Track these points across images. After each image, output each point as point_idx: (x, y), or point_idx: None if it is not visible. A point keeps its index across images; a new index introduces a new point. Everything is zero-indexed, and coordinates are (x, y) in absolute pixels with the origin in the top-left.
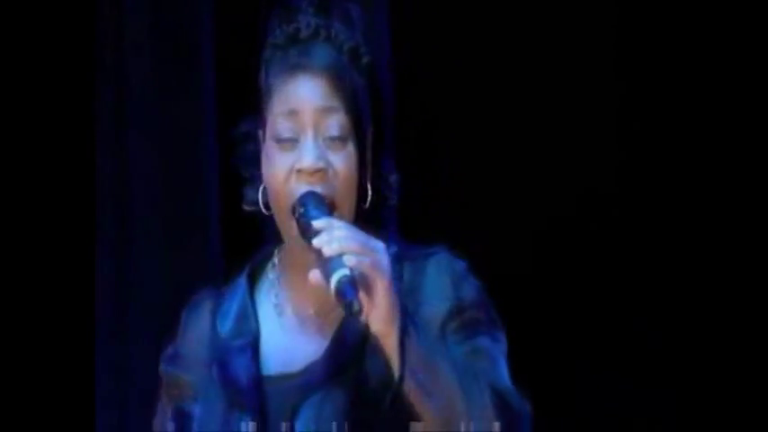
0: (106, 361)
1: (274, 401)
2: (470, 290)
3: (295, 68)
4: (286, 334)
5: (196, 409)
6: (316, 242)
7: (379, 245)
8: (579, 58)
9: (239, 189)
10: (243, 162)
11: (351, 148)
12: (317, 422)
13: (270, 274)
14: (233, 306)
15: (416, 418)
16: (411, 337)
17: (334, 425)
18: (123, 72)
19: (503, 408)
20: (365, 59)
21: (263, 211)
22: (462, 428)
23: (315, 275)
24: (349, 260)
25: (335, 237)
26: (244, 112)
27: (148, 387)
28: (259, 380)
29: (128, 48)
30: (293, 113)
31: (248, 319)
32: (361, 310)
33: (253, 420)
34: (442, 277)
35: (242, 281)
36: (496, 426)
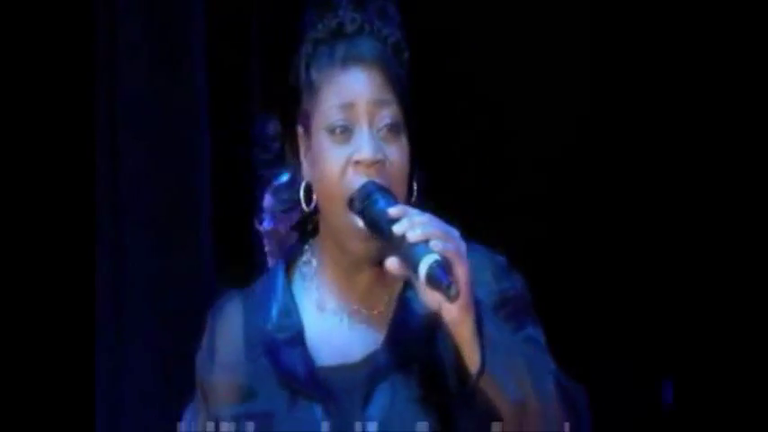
0: (104, 361)
1: (342, 389)
2: (513, 283)
3: (346, 61)
4: (332, 328)
5: (252, 408)
6: (398, 228)
7: (456, 231)
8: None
9: (235, 190)
10: (267, 162)
11: (404, 139)
12: (392, 407)
13: (304, 270)
14: (271, 302)
15: (489, 406)
16: (485, 324)
17: (409, 409)
18: (116, 73)
19: (564, 394)
20: (406, 54)
21: (304, 207)
22: (532, 415)
23: (393, 263)
24: (435, 245)
25: (417, 222)
26: (235, 112)
27: (142, 387)
28: (316, 370)
29: (120, 49)
30: (348, 105)
31: (290, 313)
32: (458, 294)
33: (325, 407)
34: (485, 272)
35: (279, 276)
36: (561, 411)
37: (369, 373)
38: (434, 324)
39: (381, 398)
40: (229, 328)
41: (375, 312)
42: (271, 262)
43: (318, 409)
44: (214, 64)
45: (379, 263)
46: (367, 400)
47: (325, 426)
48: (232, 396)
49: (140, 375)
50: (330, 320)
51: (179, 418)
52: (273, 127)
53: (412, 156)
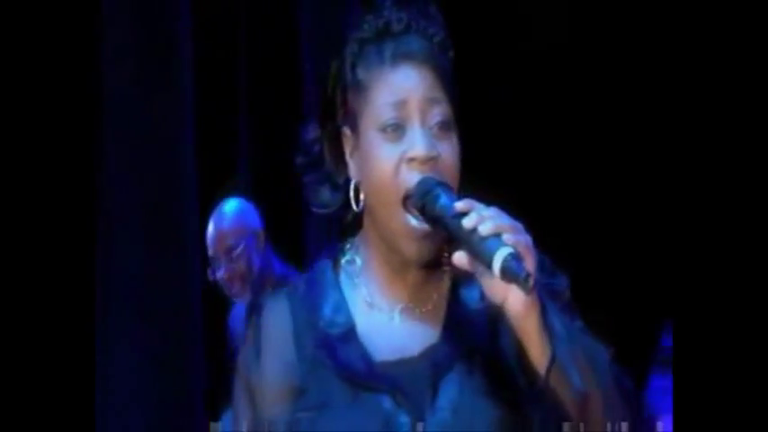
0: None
1: (407, 381)
2: (559, 279)
3: (396, 59)
4: (384, 324)
5: (307, 402)
6: (468, 222)
7: (520, 224)
8: None
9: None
10: (307, 166)
11: (454, 137)
12: (461, 397)
13: (348, 269)
14: (320, 299)
15: (556, 397)
16: (550, 316)
17: (478, 399)
18: (103, 73)
19: (620, 383)
20: (451, 52)
21: (354, 207)
22: (595, 405)
23: (461, 258)
24: (508, 239)
25: (487, 216)
26: (220, 112)
27: (130, 387)
28: (375, 364)
29: (107, 49)
30: (400, 103)
31: (341, 309)
32: (534, 285)
33: (394, 398)
34: (541, 268)
35: (327, 273)
36: (619, 401)
37: (431, 366)
38: (494, 318)
39: (449, 388)
40: (278, 326)
41: (425, 310)
42: (239, 302)
43: (387, 400)
44: (201, 64)
45: (429, 263)
46: (435, 390)
47: (401, 416)
48: (285, 394)
49: (127, 375)
50: (381, 317)
51: (167, 417)
52: (313, 130)
53: (461, 153)
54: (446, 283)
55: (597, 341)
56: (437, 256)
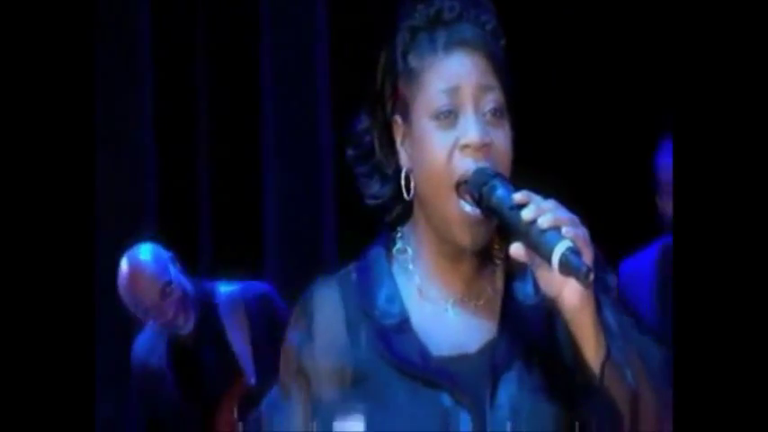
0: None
1: (466, 379)
2: (610, 273)
3: (450, 46)
4: (437, 316)
5: (365, 391)
6: (527, 214)
7: (577, 217)
8: None
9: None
10: (359, 158)
11: (507, 125)
12: (520, 396)
13: (399, 258)
14: (374, 288)
15: (609, 394)
16: (604, 311)
17: (537, 398)
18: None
19: (665, 375)
20: (503, 41)
21: (405, 195)
22: (647, 403)
23: (518, 249)
24: (568, 232)
25: (545, 208)
26: (180, 107)
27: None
28: (433, 359)
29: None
30: (453, 90)
31: (395, 299)
32: (594, 279)
33: (452, 396)
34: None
35: (380, 262)
36: (665, 397)
37: (490, 364)
38: (550, 314)
39: (509, 387)
40: (330, 313)
41: (480, 303)
42: (144, 330)
43: (446, 397)
44: (161, 63)
45: (480, 252)
46: (495, 388)
47: (461, 413)
48: (341, 377)
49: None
50: (434, 309)
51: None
52: (363, 121)
53: (515, 141)
54: (499, 278)
55: (651, 338)
56: (489, 246)
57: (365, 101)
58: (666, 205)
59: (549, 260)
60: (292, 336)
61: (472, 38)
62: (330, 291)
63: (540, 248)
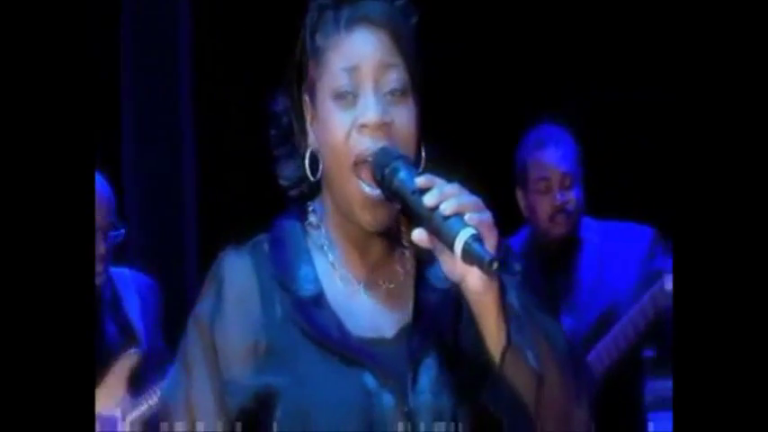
0: None
1: (387, 361)
2: (518, 262)
3: (352, 23)
4: (350, 297)
5: (282, 366)
6: (429, 200)
7: (481, 200)
8: None
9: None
10: (278, 138)
11: (411, 102)
12: (440, 380)
13: (313, 233)
14: (289, 259)
15: (513, 379)
16: (509, 295)
17: (454, 382)
18: None
19: (577, 364)
20: (413, 18)
21: (310, 176)
22: (551, 387)
23: (421, 235)
24: (471, 218)
25: (448, 194)
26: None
27: None
28: (352, 336)
29: None
30: (354, 69)
31: (311, 274)
32: (499, 267)
33: (375, 376)
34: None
35: (296, 234)
36: (575, 382)
37: (408, 350)
38: (459, 298)
39: (428, 372)
40: (241, 281)
41: (392, 286)
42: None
43: (369, 378)
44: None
45: (388, 234)
46: (415, 374)
47: (385, 395)
48: (252, 351)
49: None
50: (348, 289)
51: None
52: (280, 102)
53: (419, 121)
54: (410, 260)
55: (555, 319)
56: (397, 228)
57: (283, 81)
58: (521, 196)
59: (451, 248)
60: (202, 305)
61: (375, 14)
62: (242, 259)
63: (442, 236)
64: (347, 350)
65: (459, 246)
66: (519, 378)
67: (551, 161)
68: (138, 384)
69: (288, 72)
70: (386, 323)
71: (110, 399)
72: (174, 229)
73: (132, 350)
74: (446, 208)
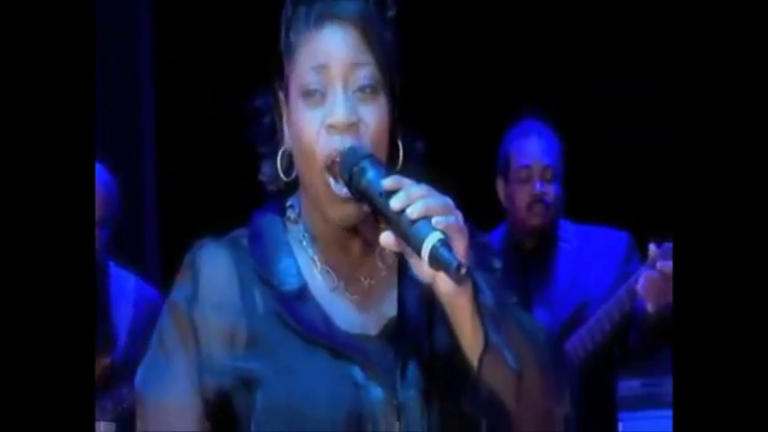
0: None
1: (374, 356)
2: (498, 259)
3: (322, 19)
4: (331, 292)
5: (266, 357)
6: (395, 203)
7: (450, 200)
8: None
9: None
10: (258, 138)
11: (382, 100)
12: (426, 376)
13: (292, 228)
14: (269, 253)
15: (491, 378)
16: (484, 294)
17: (443, 379)
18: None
19: (557, 359)
20: (391, 12)
21: (282, 177)
22: (530, 384)
23: (388, 239)
24: (438, 222)
25: (416, 196)
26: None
27: None
28: (338, 330)
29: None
30: (322, 67)
31: (292, 269)
32: (467, 273)
33: (364, 370)
34: (476, 247)
35: (276, 228)
36: (556, 378)
37: (394, 345)
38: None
39: (415, 368)
40: (222, 270)
41: (374, 282)
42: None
43: (358, 372)
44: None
45: (367, 230)
46: (403, 370)
47: (374, 390)
48: (231, 338)
49: None
50: (329, 285)
51: None
52: (263, 99)
53: (392, 119)
54: (392, 255)
55: (533, 318)
56: (374, 224)
57: (265, 79)
58: (501, 186)
59: (419, 253)
60: (178, 292)
61: (345, 11)
62: (220, 251)
63: (409, 240)
64: (335, 343)
65: (425, 251)
66: (498, 380)
67: (535, 151)
68: (105, 389)
69: (269, 68)
70: (370, 320)
71: None
72: (134, 230)
73: (105, 355)
74: (413, 212)
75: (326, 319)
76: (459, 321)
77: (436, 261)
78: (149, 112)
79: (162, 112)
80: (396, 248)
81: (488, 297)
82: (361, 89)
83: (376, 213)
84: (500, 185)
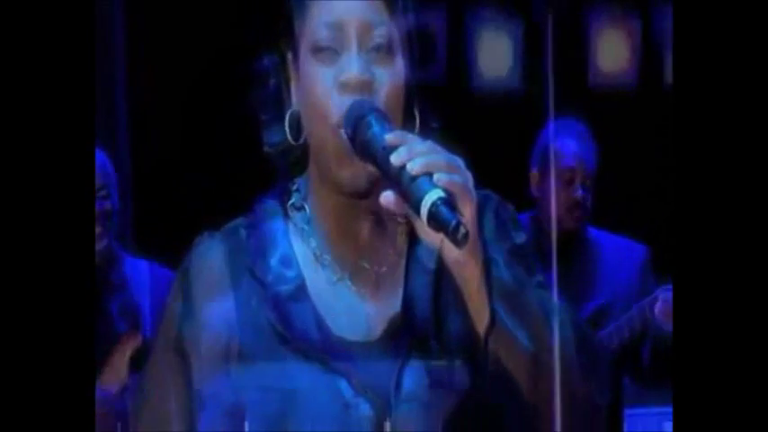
0: None
1: (367, 365)
2: (522, 234)
3: None
4: (334, 286)
5: (261, 374)
6: (395, 158)
7: (460, 160)
8: None
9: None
10: (262, 102)
11: (399, 62)
12: (427, 383)
13: (296, 215)
14: (267, 248)
15: (502, 361)
16: (498, 268)
17: (442, 383)
18: None
19: (583, 341)
20: None
21: (291, 140)
22: (548, 368)
23: (388, 198)
24: (440, 179)
25: (418, 152)
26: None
27: None
28: (333, 336)
29: None
30: (337, 24)
31: (291, 263)
32: (467, 237)
33: (351, 384)
34: (498, 219)
35: (276, 219)
36: (581, 364)
37: (394, 351)
38: (440, 286)
39: (413, 375)
40: (215, 274)
41: (383, 270)
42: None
43: (345, 386)
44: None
45: (377, 210)
46: (400, 376)
47: (362, 406)
48: (227, 355)
49: None
50: (332, 279)
51: None
52: (269, 60)
53: (408, 81)
54: (403, 239)
55: (560, 299)
56: (381, 206)
57: (269, 40)
58: (536, 178)
59: (417, 212)
60: (171, 306)
61: None
62: (214, 248)
63: (409, 198)
64: (326, 353)
65: (424, 209)
66: (508, 360)
67: (581, 155)
68: (139, 367)
69: (276, 27)
70: (372, 320)
71: (113, 377)
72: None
73: (134, 332)
74: (413, 167)
75: (321, 324)
76: (467, 294)
77: (435, 220)
78: (122, 113)
79: (135, 113)
80: (395, 209)
81: (504, 272)
82: (377, 48)
83: (380, 172)
84: (534, 176)
